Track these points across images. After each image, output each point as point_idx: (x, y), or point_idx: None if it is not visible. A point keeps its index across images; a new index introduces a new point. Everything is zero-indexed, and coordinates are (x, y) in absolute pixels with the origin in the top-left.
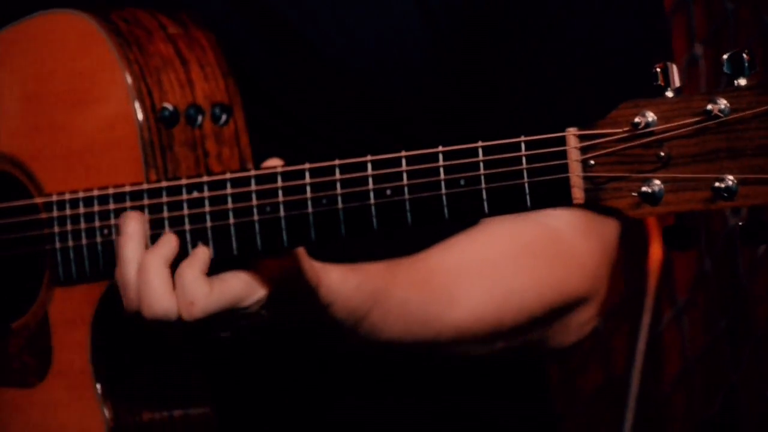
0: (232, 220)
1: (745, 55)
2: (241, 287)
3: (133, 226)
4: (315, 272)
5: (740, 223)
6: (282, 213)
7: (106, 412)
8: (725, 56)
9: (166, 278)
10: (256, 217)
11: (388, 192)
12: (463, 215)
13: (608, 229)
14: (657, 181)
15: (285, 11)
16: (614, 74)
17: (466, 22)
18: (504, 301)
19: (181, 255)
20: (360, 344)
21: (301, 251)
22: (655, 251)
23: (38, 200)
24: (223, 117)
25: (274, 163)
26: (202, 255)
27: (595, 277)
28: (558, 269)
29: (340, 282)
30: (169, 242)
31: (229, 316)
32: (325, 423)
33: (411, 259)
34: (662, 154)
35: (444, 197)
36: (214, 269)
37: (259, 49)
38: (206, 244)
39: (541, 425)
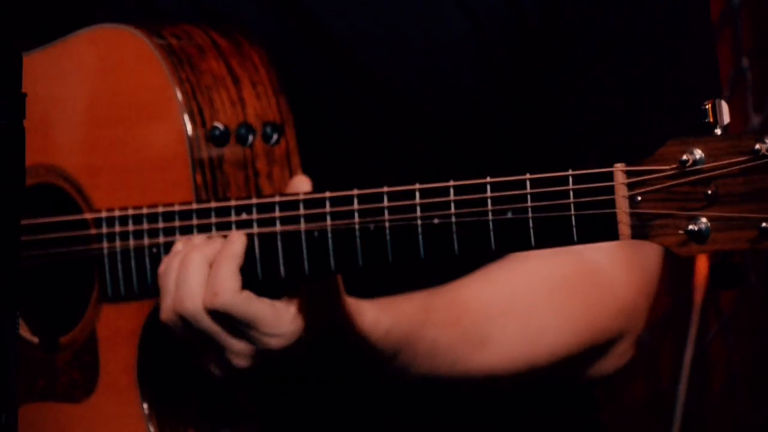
0: (280, 244)
1: None
2: (269, 312)
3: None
4: (349, 314)
5: None
6: (330, 238)
7: (152, 430)
8: None
9: (203, 277)
10: (304, 241)
11: (436, 221)
12: (510, 247)
13: (650, 260)
14: (704, 220)
15: (335, 28)
16: (663, 108)
17: (517, 41)
18: (537, 341)
19: None
20: (384, 378)
21: (340, 292)
22: (701, 265)
23: (88, 216)
24: (275, 136)
25: (301, 183)
26: (239, 246)
27: (633, 311)
28: (594, 305)
29: (372, 326)
30: (215, 243)
31: (245, 331)
32: None
33: (446, 293)
34: (709, 192)
35: (491, 228)
36: (261, 293)
37: (309, 66)
38: (254, 266)
39: None
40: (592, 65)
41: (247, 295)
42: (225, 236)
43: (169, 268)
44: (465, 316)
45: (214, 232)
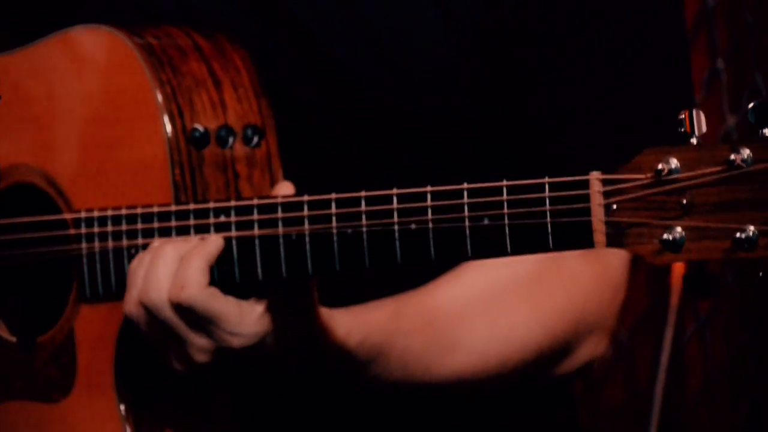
0: (257, 246)
1: None
2: (235, 310)
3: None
4: (321, 325)
5: (761, 274)
6: (308, 241)
7: (129, 430)
8: (750, 105)
9: (172, 270)
10: (281, 244)
11: (413, 226)
12: (486, 253)
13: (609, 256)
14: (678, 229)
15: (315, 29)
16: (638, 114)
17: (494, 42)
18: (507, 340)
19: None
20: (356, 388)
21: (313, 302)
22: (678, 266)
23: (67, 216)
24: (255, 139)
25: (285, 189)
26: (213, 246)
27: (599, 302)
28: (563, 300)
29: (345, 337)
30: (188, 240)
31: (206, 326)
32: None
33: (416, 299)
34: (684, 201)
35: (468, 235)
36: (239, 296)
37: (290, 68)
38: (232, 268)
39: None
40: (567, 69)
41: (213, 291)
42: (203, 238)
43: (141, 261)
44: (435, 321)
45: (192, 234)
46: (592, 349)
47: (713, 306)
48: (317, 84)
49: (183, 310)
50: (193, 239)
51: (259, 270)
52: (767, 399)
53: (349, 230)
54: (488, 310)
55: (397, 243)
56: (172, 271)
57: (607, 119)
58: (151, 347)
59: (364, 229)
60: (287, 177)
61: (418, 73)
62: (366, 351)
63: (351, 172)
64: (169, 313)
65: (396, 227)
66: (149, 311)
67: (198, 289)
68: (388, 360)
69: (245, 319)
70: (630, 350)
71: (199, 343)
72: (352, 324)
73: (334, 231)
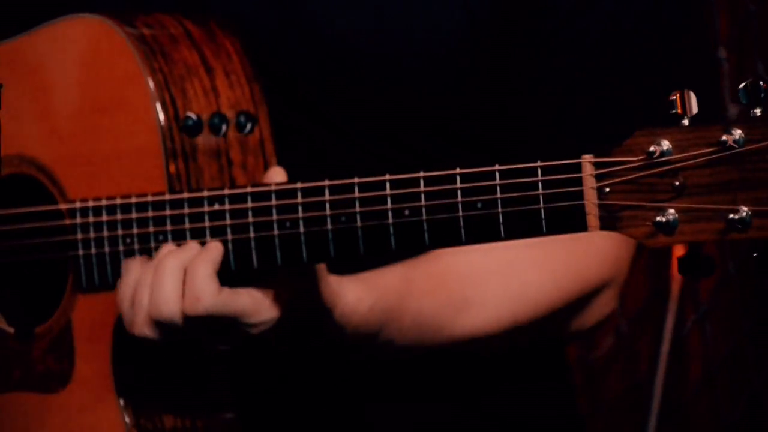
0: (252, 234)
1: (762, 84)
2: (251, 303)
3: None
4: (331, 294)
5: (755, 254)
6: (302, 229)
7: (127, 420)
8: (741, 86)
9: (179, 282)
10: (276, 232)
11: (407, 212)
12: (480, 238)
13: None
14: (672, 211)
15: (322, 15)
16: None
17: (498, 14)
18: (520, 297)
19: None
20: (371, 355)
21: (320, 273)
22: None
23: (62, 206)
24: (248, 125)
25: (276, 174)
26: (215, 252)
27: (615, 260)
28: (576, 256)
29: (356, 303)
30: (190, 249)
31: (230, 327)
32: (345, 427)
33: (425, 262)
34: (677, 183)
35: (461, 220)
36: (234, 282)
37: (287, 46)
38: (227, 257)
39: (566, 429)
40: (570, 41)
41: (227, 293)
42: (202, 243)
43: (141, 282)
44: (446, 281)
45: (186, 224)
46: (604, 306)
47: (714, 296)
48: (318, 65)
49: (201, 320)
50: (192, 247)
51: (254, 258)
52: (767, 389)
53: (343, 217)
54: (500, 269)
55: (391, 229)
56: (179, 283)
57: (611, 100)
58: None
59: (358, 215)
60: (282, 163)
61: (423, 53)
62: (378, 314)
63: (350, 157)
64: (186, 326)
65: (390, 213)
66: (164, 327)
67: (213, 298)
68: (401, 323)
69: (261, 307)
70: (630, 340)
71: (221, 339)
72: (362, 289)
73: (329, 218)
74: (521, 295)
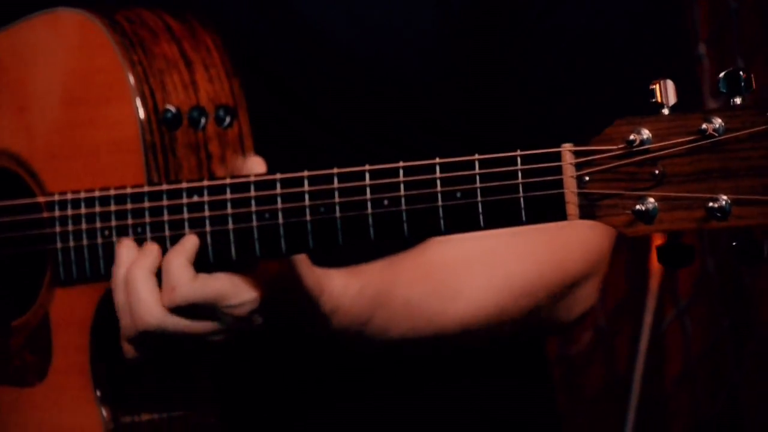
0: (231, 226)
1: (741, 74)
2: (227, 285)
3: (125, 253)
4: (317, 280)
5: (734, 243)
6: (281, 220)
7: (105, 413)
8: (721, 74)
9: (153, 288)
10: (255, 224)
11: (386, 202)
12: (460, 228)
13: None
14: (651, 200)
15: (298, 5)
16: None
17: (482, 11)
18: (505, 287)
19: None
20: (365, 347)
21: (301, 259)
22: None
23: (41, 199)
24: (227, 119)
25: (255, 164)
26: (189, 243)
27: (599, 252)
28: (560, 247)
29: (343, 288)
30: (151, 252)
31: (211, 312)
32: (326, 426)
33: (411, 254)
34: (657, 172)
35: (441, 210)
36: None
37: (267, 39)
38: (205, 248)
39: (545, 425)
40: (546, 30)
41: (202, 278)
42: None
43: (117, 299)
44: (433, 271)
45: (165, 216)
46: (587, 297)
47: (693, 292)
48: (297, 57)
49: (182, 309)
50: (150, 249)
51: (233, 249)
52: (746, 384)
53: (322, 208)
54: (485, 259)
55: (370, 219)
56: (153, 287)
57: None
58: (172, 360)
59: (337, 206)
60: (263, 156)
61: (402, 46)
62: (367, 300)
63: (331, 150)
64: (171, 323)
65: (369, 203)
66: (153, 334)
67: (188, 285)
68: (392, 309)
69: (239, 288)
70: (609, 335)
71: (209, 329)
72: (348, 276)
73: (307, 208)
74: (507, 286)
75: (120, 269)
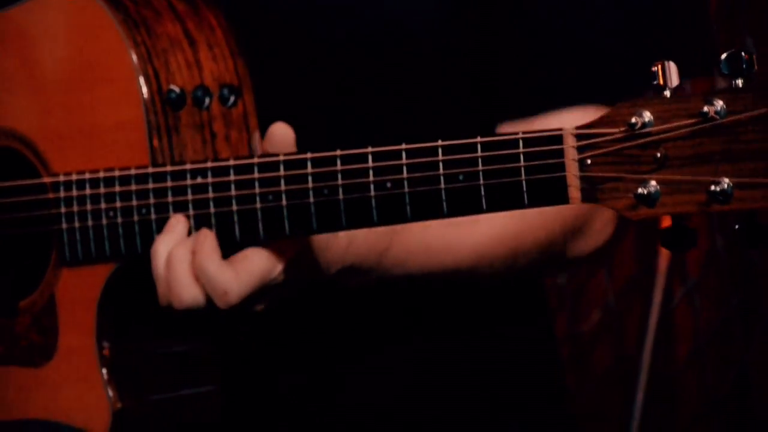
0: (234, 207)
1: (743, 55)
2: (266, 261)
3: (176, 226)
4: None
5: (737, 226)
6: (284, 202)
7: (111, 393)
8: (723, 56)
9: (189, 268)
10: (258, 205)
11: (389, 185)
12: (462, 211)
13: None
14: (653, 183)
15: None
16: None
17: None
18: (522, 218)
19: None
20: (383, 282)
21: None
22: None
23: (46, 180)
24: (232, 98)
25: (282, 128)
26: (211, 241)
27: None
28: None
29: (353, 232)
30: (206, 237)
31: (261, 291)
32: (331, 401)
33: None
34: (658, 155)
35: (443, 193)
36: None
37: (272, 18)
38: (209, 229)
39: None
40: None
41: (244, 269)
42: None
43: (156, 271)
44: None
45: (170, 197)
46: (601, 230)
47: (702, 270)
48: (300, 36)
49: (240, 304)
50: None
51: (237, 230)
52: (755, 363)
53: (325, 190)
54: None
55: (373, 202)
56: (189, 268)
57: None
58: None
59: (340, 188)
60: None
61: (403, 28)
62: (380, 232)
63: (334, 133)
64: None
65: (372, 186)
66: (196, 310)
67: (237, 284)
68: (408, 237)
69: (276, 256)
70: (618, 314)
71: (260, 305)
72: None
73: (311, 190)
74: (523, 217)
75: (161, 246)
